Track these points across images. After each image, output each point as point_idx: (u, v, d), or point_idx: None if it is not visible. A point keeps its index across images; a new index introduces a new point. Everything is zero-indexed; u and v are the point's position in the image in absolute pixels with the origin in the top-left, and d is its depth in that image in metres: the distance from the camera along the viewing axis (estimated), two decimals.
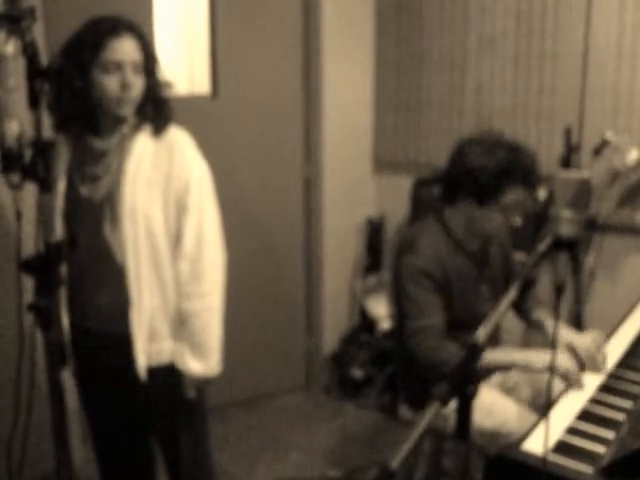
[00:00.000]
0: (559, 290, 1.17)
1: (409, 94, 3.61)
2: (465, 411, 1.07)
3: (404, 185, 3.53)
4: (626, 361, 2.06)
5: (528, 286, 1.22)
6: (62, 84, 1.72)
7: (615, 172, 2.76)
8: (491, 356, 2.00)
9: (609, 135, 2.73)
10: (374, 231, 3.80)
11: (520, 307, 2.36)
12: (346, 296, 3.86)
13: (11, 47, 1.51)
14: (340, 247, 3.74)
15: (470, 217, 2.08)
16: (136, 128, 1.83)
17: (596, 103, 2.95)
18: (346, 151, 3.66)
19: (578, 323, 2.91)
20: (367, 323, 3.76)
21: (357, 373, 3.61)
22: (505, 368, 2.15)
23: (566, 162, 2.93)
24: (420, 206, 3.26)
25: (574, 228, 1.18)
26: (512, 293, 1.19)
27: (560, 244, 1.17)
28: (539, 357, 1.96)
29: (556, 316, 1.16)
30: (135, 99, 1.79)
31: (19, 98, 1.56)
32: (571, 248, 1.18)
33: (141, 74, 1.78)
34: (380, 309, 3.75)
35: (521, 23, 3.13)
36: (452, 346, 1.98)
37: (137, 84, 1.77)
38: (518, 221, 2.04)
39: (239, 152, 3.32)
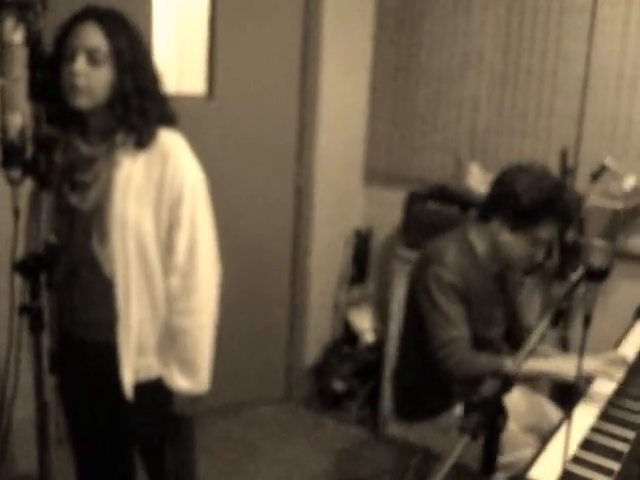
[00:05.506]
0: (587, 320, 1.14)
1: (404, 107, 3.58)
2: (493, 444, 1.03)
3: (394, 198, 3.49)
4: (624, 390, 2.04)
5: (560, 316, 1.19)
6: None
7: (611, 198, 2.76)
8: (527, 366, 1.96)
9: (608, 161, 2.72)
10: (361, 242, 3.76)
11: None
12: (330, 307, 3.80)
13: (19, 35, 1.43)
14: (326, 257, 3.69)
15: (497, 240, 2.07)
16: (125, 138, 1.70)
17: (594, 127, 2.94)
18: (338, 160, 3.62)
19: (565, 348, 2.90)
20: (350, 335, 3.72)
21: (338, 386, 3.56)
22: (535, 378, 2.13)
23: None
24: (412, 220, 3.22)
25: (606, 258, 1.16)
26: (544, 323, 1.15)
27: (592, 274, 1.15)
28: (568, 364, 1.96)
29: (583, 345, 1.12)
30: (88, 90, 1.64)
31: (22, 89, 1.48)
32: (601, 278, 1.16)
33: (103, 65, 1.65)
34: (364, 321, 3.71)
35: (522, 42, 3.12)
36: (482, 357, 1.97)
37: (92, 74, 1.63)
38: (540, 257, 2.03)
39: (231, 155, 3.26)
